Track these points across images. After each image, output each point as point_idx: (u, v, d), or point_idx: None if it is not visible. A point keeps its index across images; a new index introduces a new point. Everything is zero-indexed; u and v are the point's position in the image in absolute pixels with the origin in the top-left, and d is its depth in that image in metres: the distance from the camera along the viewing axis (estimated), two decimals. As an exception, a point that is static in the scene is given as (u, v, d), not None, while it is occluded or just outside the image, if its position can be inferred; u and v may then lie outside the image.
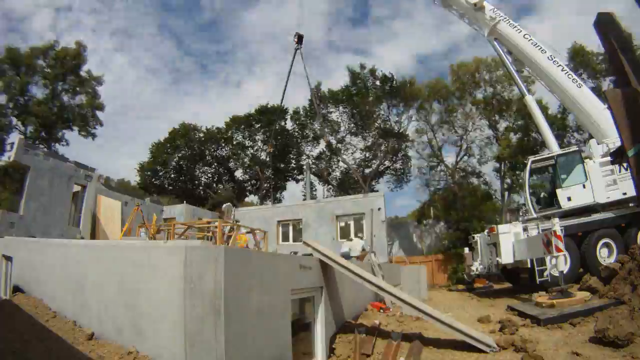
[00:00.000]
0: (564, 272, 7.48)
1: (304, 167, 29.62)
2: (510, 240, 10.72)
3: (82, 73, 27.18)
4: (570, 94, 12.26)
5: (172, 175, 32.86)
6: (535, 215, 11.24)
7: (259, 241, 11.40)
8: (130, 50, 71.46)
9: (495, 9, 13.71)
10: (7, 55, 23.96)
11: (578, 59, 25.16)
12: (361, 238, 13.36)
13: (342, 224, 18.94)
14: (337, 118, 31.23)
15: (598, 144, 11.41)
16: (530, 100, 13.51)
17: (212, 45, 76.67)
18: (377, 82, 29.81)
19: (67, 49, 26.10)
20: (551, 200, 11.34)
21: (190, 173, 33.24)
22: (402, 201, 75.46)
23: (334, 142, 31.50)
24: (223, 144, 33.13)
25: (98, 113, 28.29)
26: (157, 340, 3.33)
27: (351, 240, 12.39)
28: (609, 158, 9.96)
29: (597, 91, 23.95)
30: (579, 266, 9.96)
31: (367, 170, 31.69)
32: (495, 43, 13.68)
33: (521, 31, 13.17)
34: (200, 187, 33.88)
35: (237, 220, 14.43)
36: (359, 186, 29.41)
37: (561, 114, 25.02)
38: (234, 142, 32.78)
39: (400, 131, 30.28)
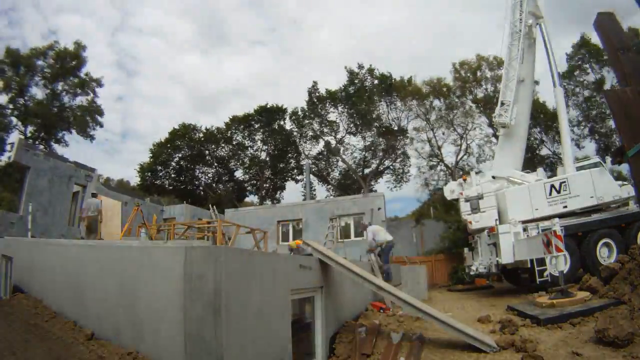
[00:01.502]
0: (564, 272, 7.46)
1: (304, 167, 29.61)
2: (510, 240, 10.72)
3: (82, 75, 27.22)
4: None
5: (173, 176, 32.87)
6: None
7: (259, 241, 11.39)
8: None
9: None
10: (7, 56, 23.94)
11: (586, 46, 25.15)
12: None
13: (342, 223, 18.93)
14: (336, 118, 31.27)
15: None
16: (560, 92, 13.07)
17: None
18: (375, 81, 29.81)
19: (66, 50, 26.09)
20: None
21: (190, 173, 33.25)
22: (402, 201, 75.48)
23: (333, 142, 31.52)
24: (223, 144, 33.12)
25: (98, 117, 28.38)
26: (157, 341, 3.33)
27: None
28: None
29: (601, 84, 24.12)
30: (579, 266, 9.96)
31: (366, 170, 31.69)
32: (538, 28, 13.26)
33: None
34: (200, 187, 33.88)
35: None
36: (359, 186, 29.41)
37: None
38: (234, 142, 32.77)
39: (399, 128, 30.21)
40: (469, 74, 28.12)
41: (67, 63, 26.02)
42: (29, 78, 25.16)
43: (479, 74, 27.98)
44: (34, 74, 25.40)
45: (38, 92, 25.97)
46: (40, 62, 25.48)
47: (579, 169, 11.82)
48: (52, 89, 26.19)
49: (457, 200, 13.32)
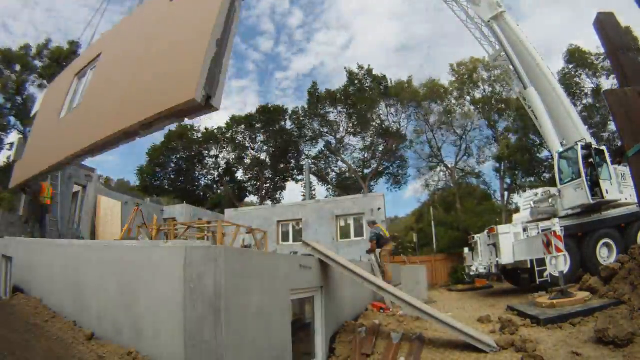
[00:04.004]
0: (564, 272, 7.46)
1: (304, 167, 29.62)
2: (510, 241, 10.72)
3: None
4: (564, 101, 12.27)
5: (172, 176, 32.85)
6: (592, 202, 10.10)
7: (260, 241, 11.39)
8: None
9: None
10: (2, 56, 23.97)
11: (575, 60, 25.21)
12: None
13: (342, 223, 18.94)
14: (336, 118, 31.27)
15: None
16: (533, 92, 12.66)
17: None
18: (374, 83, 29.85)
19: (61, 48, 26.06)
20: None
21: (189, 174, 33.22)
22: (402, 201, 75.49)
23: (333, 142, 31.54)
24: (224, 145, 33.09)
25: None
26: (157, 340, 3.33)
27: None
28: None
29: (597, 91, 24.05)
30: (579, 266, 9.96)
31: (366, 171, 31.71)
32: (496, 27, 13.17)
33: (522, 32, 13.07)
34: (200, 188, 33.85)
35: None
36: (358, 186, 29.43)
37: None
38: (235, 142, 32.74)
39: (398, 130, 30.27)
40: (465, 76, 28.18)
41: (63, 61, 25.99)
42: (26, 77, 25.19)
43: (475, 75, 28.03)
44: (31, 73, 25.41)
45: (36, 92, 26.00)
46: (36, 62, 25.52)
47: None
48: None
49: None
